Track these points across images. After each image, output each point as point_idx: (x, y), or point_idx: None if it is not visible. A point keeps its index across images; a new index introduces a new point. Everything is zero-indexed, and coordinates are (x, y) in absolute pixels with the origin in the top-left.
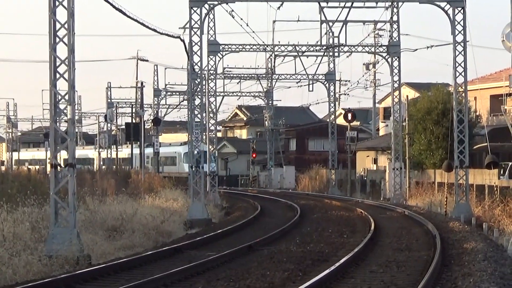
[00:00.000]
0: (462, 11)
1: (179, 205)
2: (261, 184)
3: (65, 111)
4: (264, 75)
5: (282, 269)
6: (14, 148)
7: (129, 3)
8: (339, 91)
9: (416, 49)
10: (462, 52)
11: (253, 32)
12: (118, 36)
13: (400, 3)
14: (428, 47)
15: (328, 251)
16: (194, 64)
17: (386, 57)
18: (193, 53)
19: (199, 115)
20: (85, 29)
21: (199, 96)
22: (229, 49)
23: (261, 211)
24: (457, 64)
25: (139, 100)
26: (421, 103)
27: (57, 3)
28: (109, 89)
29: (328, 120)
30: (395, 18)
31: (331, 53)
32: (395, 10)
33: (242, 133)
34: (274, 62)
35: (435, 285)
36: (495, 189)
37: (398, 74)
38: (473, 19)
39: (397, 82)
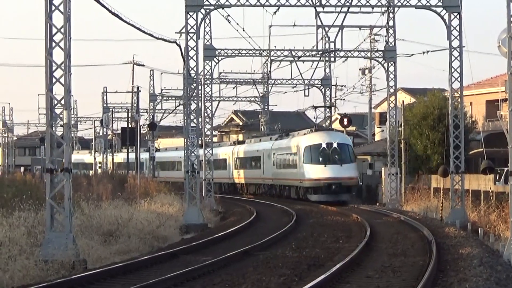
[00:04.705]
0: (458, 16)
1: (175, 210)
2: None
3: (61, 115)
4: (260, 80)
5: (277, 274)
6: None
7: (125, 8)
8: (335, 96)
9: (412, 54)
10: (458, 58)
11: (249, 37)
12: (114, 41)
13: (396, 9)
14: (424, 53)
15: (324, 256)
16: (190, 69)
17: (382, 62)
18: (189, 58)
19: (195, 120)
20: (81, 34)
21: (195, 101)
22: (225, 54)
23: (257, 216)
24: (453, 70)
25: (135, 105)
26: (417, 108)
27: (53, 7)
28: (105, 93)
29: (324, 125)
30: (391, 23)
31: (327, 58)
32: (391, 15)
33: (238, 138)
34: (270, 67)
35: None
36: (491, 194)
37: (394, 79)
38: (469, 24)
39: (393, 87)
